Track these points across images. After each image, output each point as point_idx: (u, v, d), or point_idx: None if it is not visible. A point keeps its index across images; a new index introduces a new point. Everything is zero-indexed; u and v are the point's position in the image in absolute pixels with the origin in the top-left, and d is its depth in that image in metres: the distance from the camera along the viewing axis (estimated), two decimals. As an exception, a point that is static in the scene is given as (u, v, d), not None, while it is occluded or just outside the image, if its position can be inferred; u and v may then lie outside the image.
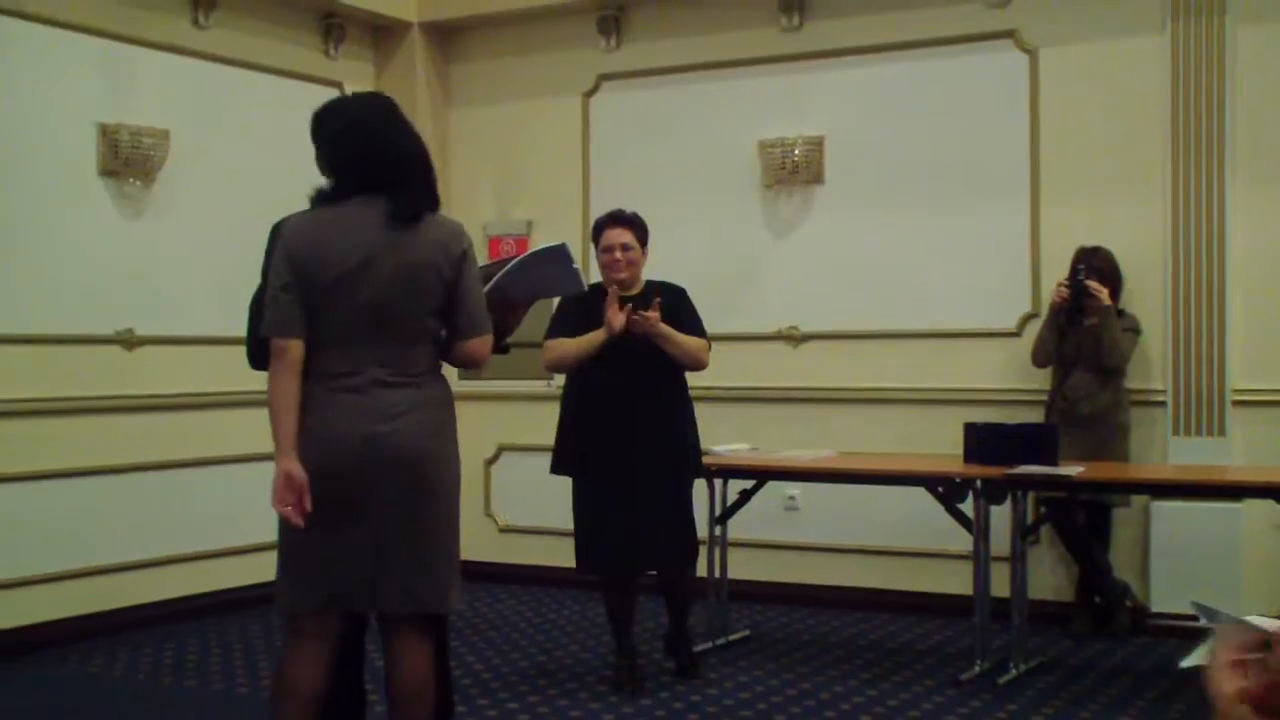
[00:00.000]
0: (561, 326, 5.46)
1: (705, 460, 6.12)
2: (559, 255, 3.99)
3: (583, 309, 5.37)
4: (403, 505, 3.54)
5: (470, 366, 3.74)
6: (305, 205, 4.41)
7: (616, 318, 5.23)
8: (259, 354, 3.73)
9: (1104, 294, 6.20)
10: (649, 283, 5.55)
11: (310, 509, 3.48)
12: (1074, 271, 6.25)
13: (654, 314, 5.23)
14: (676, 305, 5.46)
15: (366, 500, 3.52)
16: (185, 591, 6.79)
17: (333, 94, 7.78)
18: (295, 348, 3.55)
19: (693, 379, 7.46)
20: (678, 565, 5.52)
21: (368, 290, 3.53)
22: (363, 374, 3.55)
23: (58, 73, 6.40)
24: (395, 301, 3.55)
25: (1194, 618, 2.21)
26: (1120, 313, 6.35)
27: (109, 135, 6.53)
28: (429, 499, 3.57)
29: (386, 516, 3.53)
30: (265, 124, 7.20)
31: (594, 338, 5.29)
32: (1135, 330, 6.37)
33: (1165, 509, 6.37)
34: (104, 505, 6.50)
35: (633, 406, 5.33)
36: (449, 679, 4.37)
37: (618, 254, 5.40)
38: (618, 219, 5.48)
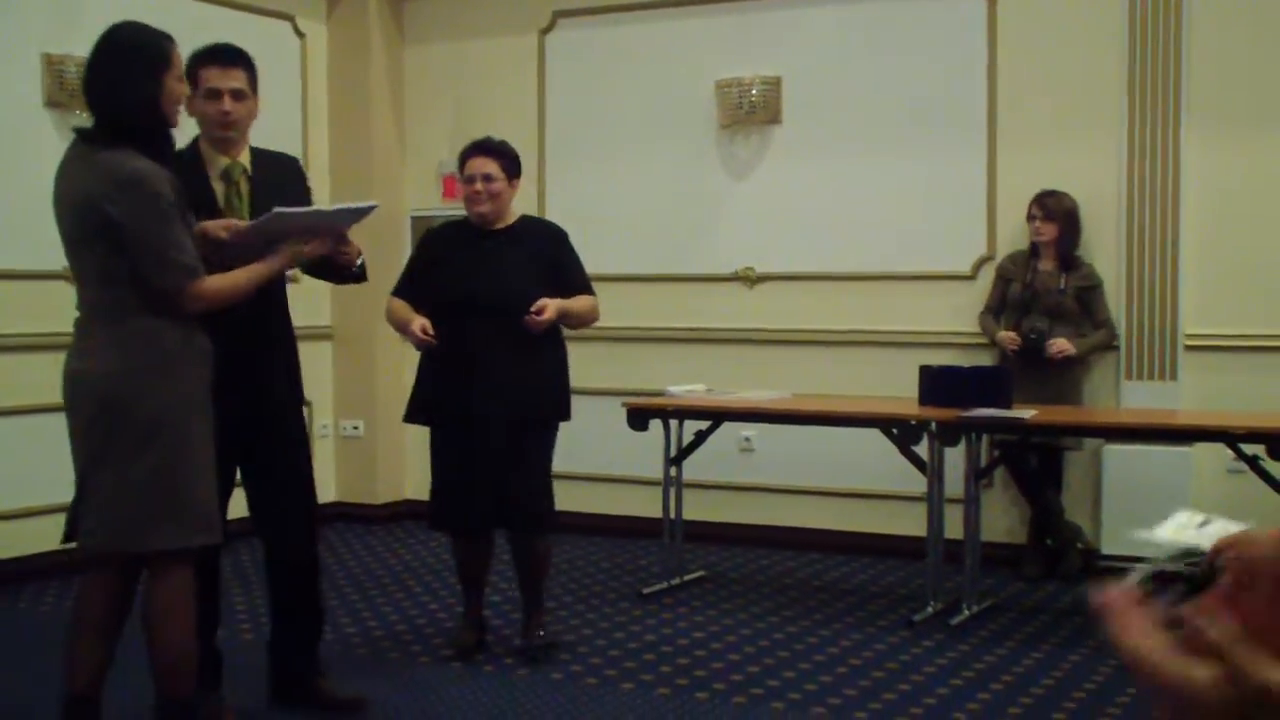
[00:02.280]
0: (406, 275, 5.13)
1: (660, 401, 6.13)
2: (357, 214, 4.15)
3: (434, 251, 5.08)
4: (91, 442, 3.66)
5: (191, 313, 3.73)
6: (256, 139, 4.34)
7: (420, 336, 4.83)
8: None
9: (1069, 351, 6.23)
10: (523, 218, 5.13)
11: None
12: (1026, 335, 6.24)
13: (543, 317, 4.79)
14: (556, 253, 5.03)
15: (72, 437, 3.72)
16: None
17: (284, 28, 7.71)
18: None
19: (646, 319, 7.49)
20: (524, 527, 5.04)
21: (63, 233, 3.72)
22: (79, 312, 3.74)
23: (1, 2, 6.25)
24: (69, 244, 3.71)
25: (1138, 559, 2.24)
26: (1077, 260, 6.38)
27: (54, 66, 6.39)
28: (116, 436, 3.62)
29: (80, 453, 3.70)
30: (215, 57, 7.05)
31: (412, 322, 4.88)
32: (1095, 284, 6.38)
33: (1117, 452, 6.42)
34: (59, 442, 6.39)
35: (490, 358, 4.84)
36: (319, 608, 4.50)
37: (478, 185, 4.91)
38: (481, 147, 5.00)
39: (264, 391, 4.21)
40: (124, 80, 3.66)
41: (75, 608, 3.83)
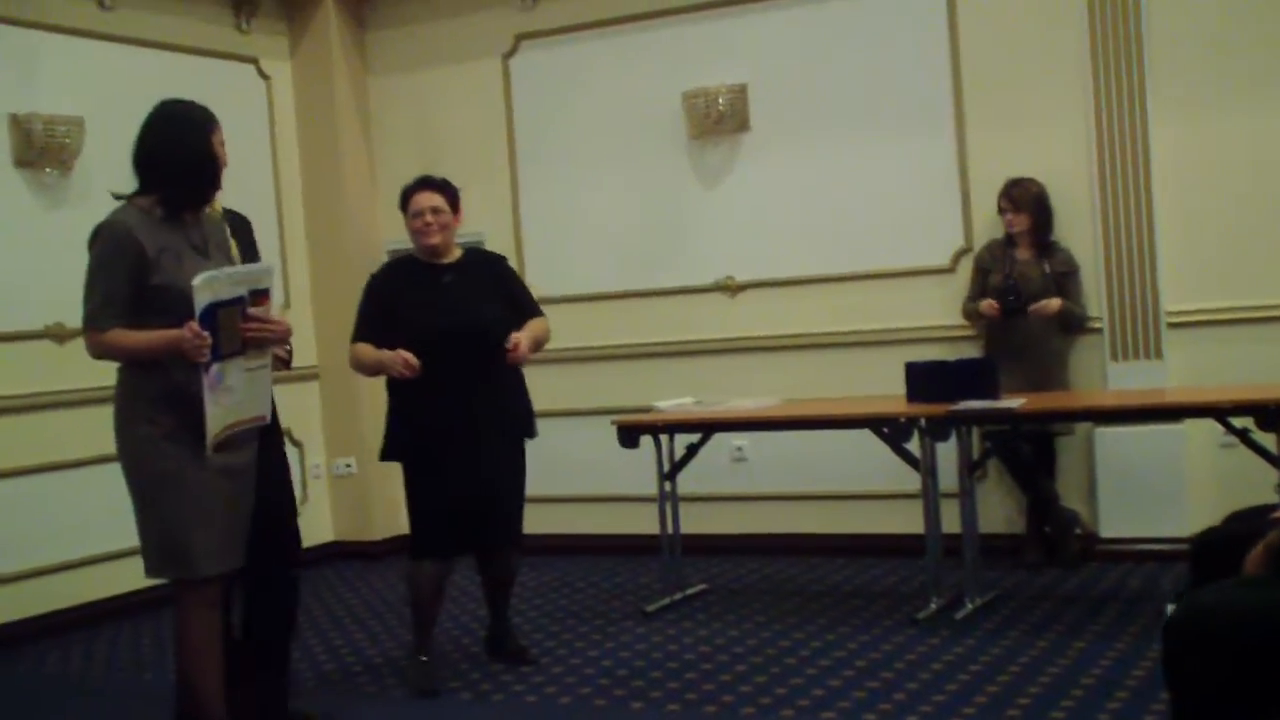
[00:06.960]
0: (367, 321, 5.10)
1: (650, 417, 6.13)
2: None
3: (391, 292, 5.10)
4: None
5: None
6: (226, 185, 4.33)
7: (404, 370, 4.90)
8: None
9: (1051, 307, 6.27)
10: (468, 250, 5.29)
11: None
12: (1005, 298, 6.31)
13: (521, 353, 5.02)
14: (508, 281, 5.29)
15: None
16: (140, 585, 6.65)
17: (249, 71, 7.70)
18: None
19: (630, 335, 7.50)
20: (516, 542, 5.28)
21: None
22: None
23: (-38, 65, 6.25)
24: None
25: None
26: (1054, 246, 6.41)
27: (21, 125, 6.38)
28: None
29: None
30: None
31: (393, 361, 4.91)
32: (1073, 269, 6.41)
33: (1109, 435, 6.43)
34: (46, 503, 6.37)
35: (468, 387, 4.98)
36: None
37: (429, 218, 5.06)
38: (426, 183, 5.18)
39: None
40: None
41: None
